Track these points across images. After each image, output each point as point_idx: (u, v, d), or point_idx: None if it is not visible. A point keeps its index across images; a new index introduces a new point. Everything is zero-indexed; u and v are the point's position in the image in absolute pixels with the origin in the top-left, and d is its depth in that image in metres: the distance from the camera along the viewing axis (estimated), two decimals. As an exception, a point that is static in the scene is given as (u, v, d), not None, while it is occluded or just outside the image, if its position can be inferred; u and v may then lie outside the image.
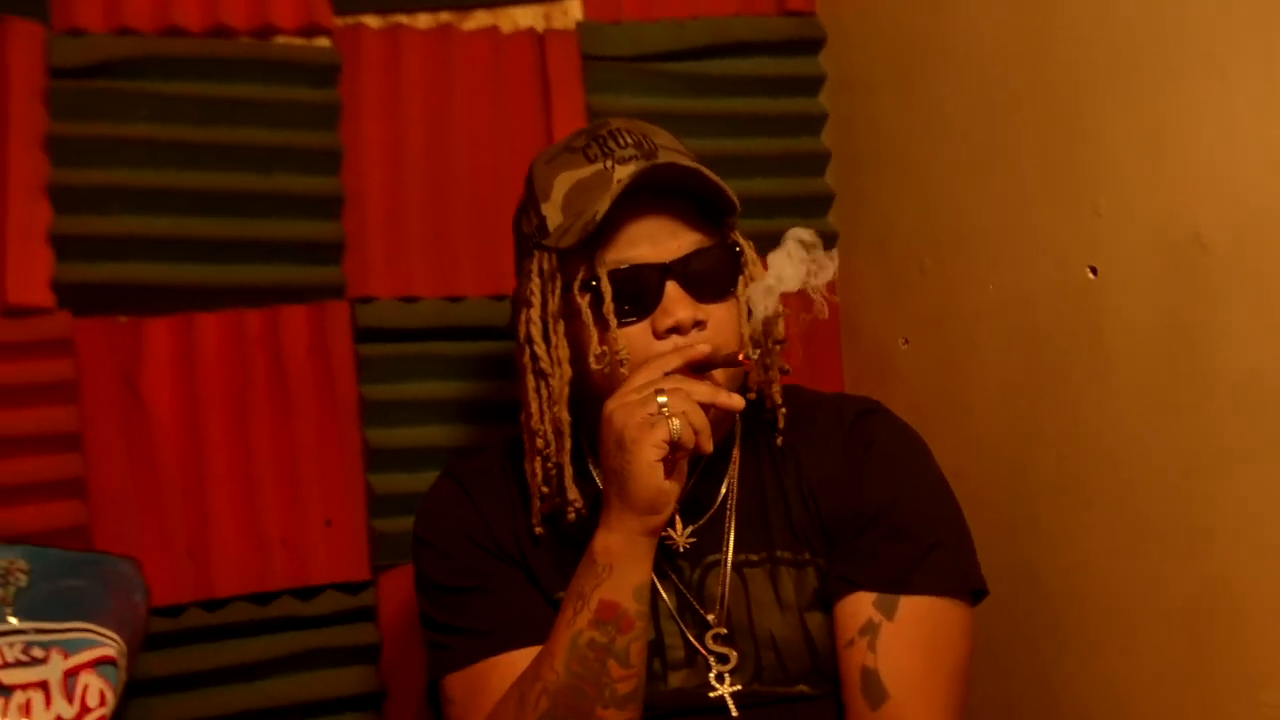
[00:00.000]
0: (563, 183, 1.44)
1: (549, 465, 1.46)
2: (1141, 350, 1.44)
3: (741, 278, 1.44)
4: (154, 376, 1.80)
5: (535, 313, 1.44)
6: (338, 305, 1.87)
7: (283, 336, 1.85)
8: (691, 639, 1.46)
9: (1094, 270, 1.50)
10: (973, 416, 1.76)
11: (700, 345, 1.37)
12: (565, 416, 1.44)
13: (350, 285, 1.88)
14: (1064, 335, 1.57)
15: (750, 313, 1.40)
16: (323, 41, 1.89)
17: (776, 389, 1.49)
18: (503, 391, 1.89)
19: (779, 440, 1.51)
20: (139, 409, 1.79)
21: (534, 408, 1.46)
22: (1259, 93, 1.26)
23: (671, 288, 1.40)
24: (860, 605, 1.42)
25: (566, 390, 1.43)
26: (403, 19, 1.93)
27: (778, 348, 1.48)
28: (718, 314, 1.42)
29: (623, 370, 1.38)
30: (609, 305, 1.39)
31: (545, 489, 1.47)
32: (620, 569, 1.34)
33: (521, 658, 1.41)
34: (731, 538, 1.48)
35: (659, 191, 1.41)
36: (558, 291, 1.44)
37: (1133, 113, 1.43)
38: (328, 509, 1.86)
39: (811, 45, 2.09)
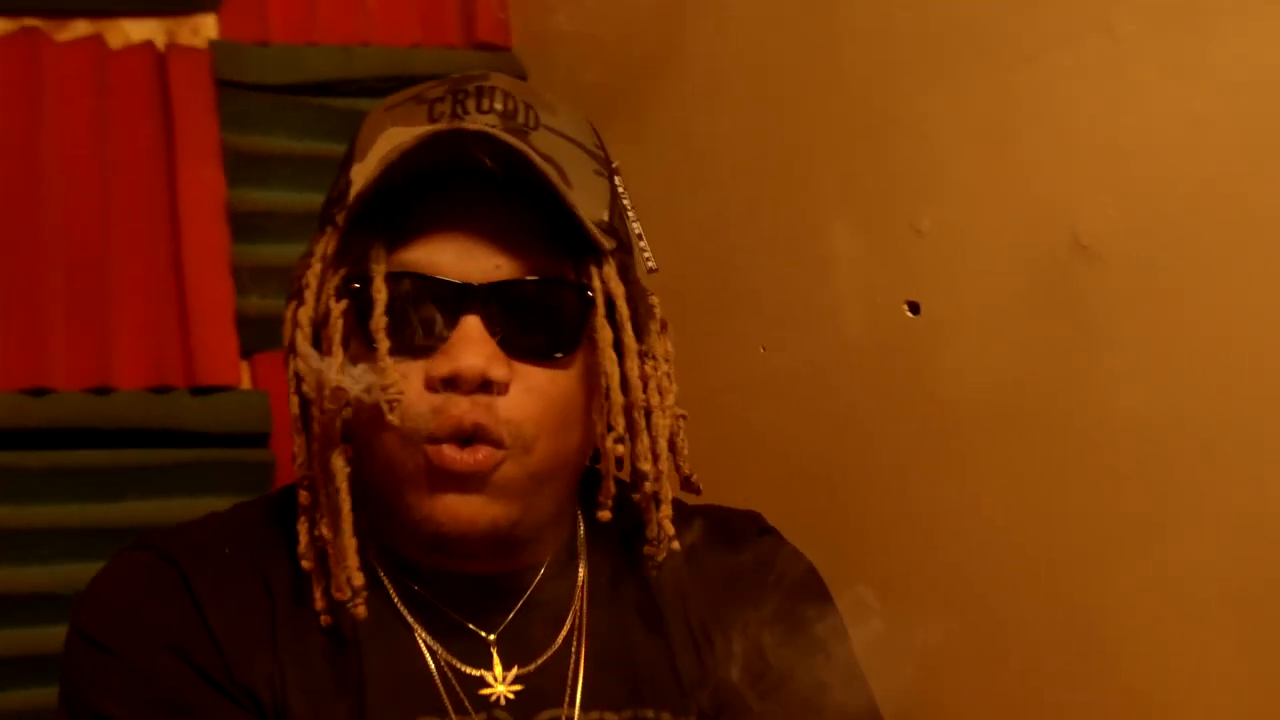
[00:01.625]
0: (387, 140, 0.97)
1: (315, 532, 0.98)
2: (987, 404, 1.11)
3: (596, 337, 0.98)
4: None
5: (305, 311, 0.97)
6: None
7: None
8: None
9: (913, 307, 1.18)
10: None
11: None
12: (339, 464, 0.96)
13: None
14: (870, 397, 1.23)
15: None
16: None
17: (665, 515, 1.01)
18: (106, 516, 1.45)
19: (652, 568, 1.04)
20: None
21: (298, 446, 0.99)
22: (1163, 48, 0.97)
23: (470, 324, 0.95)
24: None
25: (339, 425, 0.96)
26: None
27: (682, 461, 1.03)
28: (536, 380, 0.97)
29: (391, 417, 0.92)
30: (379, 319, 0.93)
31: (307, 563, 0.98)
32: None
33: None
34: (579, 688, 1.03)
35: (501, 191, 0.96)
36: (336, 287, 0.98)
37: (964, 106, 1.12)
38: None
39: (507, 86, 1.73)
